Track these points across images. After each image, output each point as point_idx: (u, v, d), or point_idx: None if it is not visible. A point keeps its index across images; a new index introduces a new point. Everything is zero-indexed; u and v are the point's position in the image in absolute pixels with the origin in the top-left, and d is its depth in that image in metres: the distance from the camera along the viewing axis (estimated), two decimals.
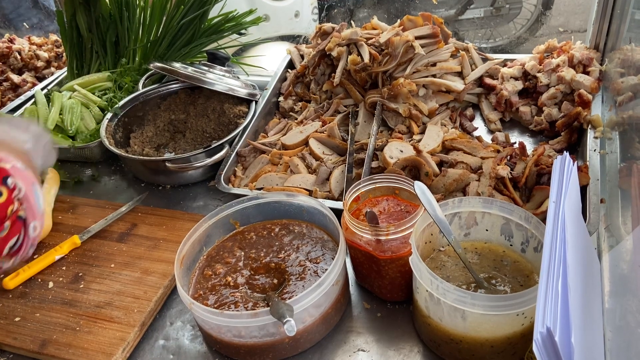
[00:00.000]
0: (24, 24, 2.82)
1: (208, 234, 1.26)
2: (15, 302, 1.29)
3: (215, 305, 1.11)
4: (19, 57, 2.36)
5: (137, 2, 2.04)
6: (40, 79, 2.33)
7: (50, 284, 1.33)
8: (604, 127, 1.40)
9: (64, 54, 2.36)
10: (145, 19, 2.05)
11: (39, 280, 1.34)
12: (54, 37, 2.55)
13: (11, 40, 2.44)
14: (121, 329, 1.18)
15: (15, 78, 2.28)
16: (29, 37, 2.52)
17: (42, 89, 2.06)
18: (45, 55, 2.41)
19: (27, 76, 2.33)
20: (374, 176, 1.20)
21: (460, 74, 1.71)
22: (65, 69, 2.16)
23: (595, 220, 1.17)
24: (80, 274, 1.35)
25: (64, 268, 1.37)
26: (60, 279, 1.34)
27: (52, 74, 2.31)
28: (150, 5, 2.02)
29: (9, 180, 0.80)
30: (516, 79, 1.68)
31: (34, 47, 2.45)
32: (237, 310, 1.09)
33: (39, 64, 2.39)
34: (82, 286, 1.31)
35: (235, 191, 1.49)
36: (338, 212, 1.18)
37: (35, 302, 1.28)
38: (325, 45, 1.74)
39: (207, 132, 1.77)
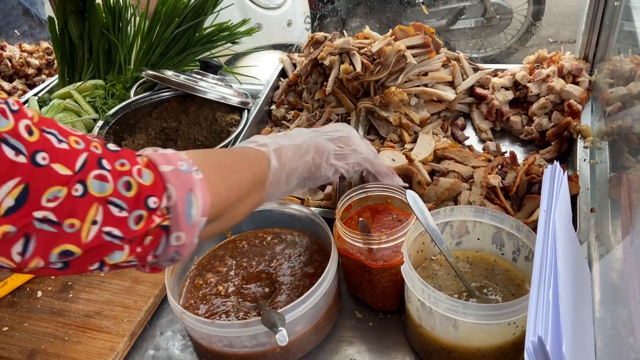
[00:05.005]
0: (15, 31, 2.81)
1: None
2: (3, 311, 1.27)
3: (206, 315, 1.10)
4: (9, 64, 2.35)
5: (131, 12, 2.04)
6: (31, 86, 2.32)
7: (39, 293, 1.31)
8: (593, 137, 1.42)
9: (55, 62, 2.35)
10: (138, 30, 2.04)
11: (28, 289, 1.33)
12: (45, 44, 2.53)
13: (2, 47, 2.42)
14: (110, 338, 1.17)
15: (6, 85, 2.26)
16: (20, 44, 2.51)
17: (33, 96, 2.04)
18: (36, 62, 2.39)
19: (18, 83, 2.31)
20: (366, 185, 1.20)
21: (452, 84, 1.72)
22: (56, 76, 2.15)
23: (585, 230, 1.17)
24: (69, 283, 1.33)
25: (52, 277, 1.35)
26: (49, 288, 1.33)
27: (43, 81, 2.29)
28: (141, 16, 2.02)
29: (151, 200, 0.73)
30: (507, 88, 1.69)
31: (25, 54, 2.43)
32: (229, 320, 1.08)
33: (30, 71, 2.37)
34: (71, 295, 1.30)
35: None
36: (330, 221, 1.18)
37: (23, 311, 1.27)
38: (317, 54, 1.75)
39: (199, 140, 1.77)
